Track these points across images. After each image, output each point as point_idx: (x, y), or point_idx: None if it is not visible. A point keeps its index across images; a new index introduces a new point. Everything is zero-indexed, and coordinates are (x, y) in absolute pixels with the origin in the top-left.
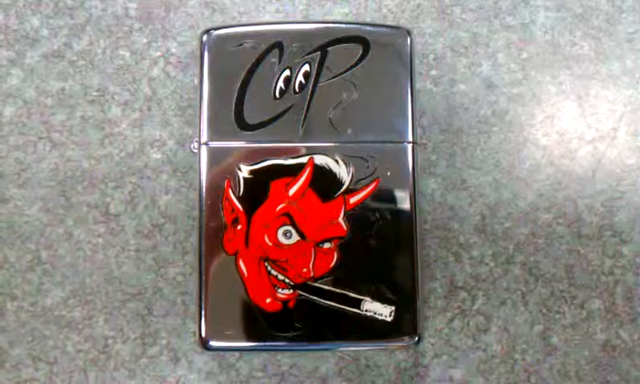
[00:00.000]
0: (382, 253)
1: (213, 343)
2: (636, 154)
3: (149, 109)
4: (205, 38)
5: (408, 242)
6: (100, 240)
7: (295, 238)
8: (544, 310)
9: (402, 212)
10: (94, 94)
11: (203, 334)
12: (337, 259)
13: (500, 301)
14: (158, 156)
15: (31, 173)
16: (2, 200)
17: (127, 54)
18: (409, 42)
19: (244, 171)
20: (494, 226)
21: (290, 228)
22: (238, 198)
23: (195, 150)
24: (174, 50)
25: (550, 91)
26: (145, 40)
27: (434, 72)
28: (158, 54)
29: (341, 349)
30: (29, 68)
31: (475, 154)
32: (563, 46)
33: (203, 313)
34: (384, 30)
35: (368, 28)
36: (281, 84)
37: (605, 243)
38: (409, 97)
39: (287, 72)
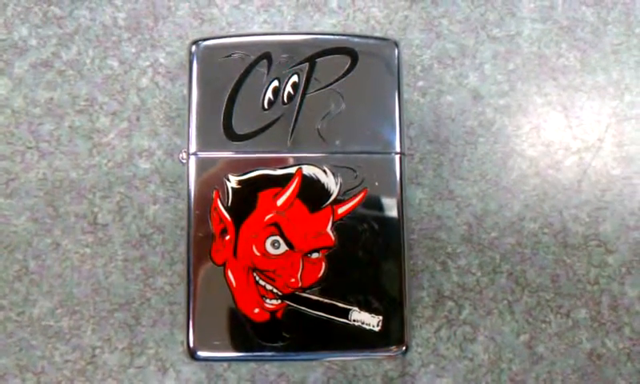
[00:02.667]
0: (369, 263)
1: (201, 353)
2: (621, 165)
3: (137, 119)
4: (194, 48)
5: (395, 251)
6: (88, 250)
7: (283, 248)
8: (530, 320)
9: (389, 222)
10: (83, 103)
11: (191, 344)
12: (325, 269)
13: (486, 310)
14: (147, 166)
15: (19, 182)
16: None
17: (116, 64)
18: (396, 54)
19: (232, 181)
20: (481, 236)
21: (278, 238)
22: (227, 208)
23: (184, 161)
24: (162, 60)
25: (536, 102)
26: (133, 50)
27: (421, 83)
28: (147, 63)
29: (329, 358)
30: (17, 77)
31: (462, 165)
32: (549, 57)
33: (191, 323)
34: (372, 41)
35: (356, 39)
36: (269, 95)
37: (590, 253)
38: (396, 108)
39: (276, 83)
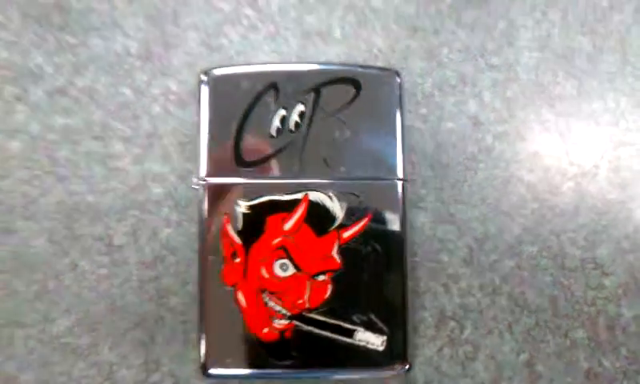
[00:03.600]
0: (374, 285)
1: (212, 371)
2: (617, 190)
3: (150, 145)
4: (203, 77)
5: (399, 274)
6: (104, 270)
7: (291, 270)
8: (529, 339)
9: (392, 246)
10: (97, 129)
11: (203, 361)
12: (331, 291)
13: (487, 330)
14: (160, 190)
15: (38, 206)
16: (10, 232)
17: (128, 91)
18: (398, 83)
19: (242, 207)
20: (481, 259)
21: (286, 261)
22: (237, 232)
23: (195, 186)
24: (174, 88)
25: (534, 129)
26: (145, 78)
27: (422, 110)
28: (158, 91)
29: (335, 377)
30: (34, 104)
31: (463, 190)
32: (546, 85)
33: (203, 341)
34: (374, 71)
35: (359, 69)
36: (277, 123)
37: (587, 275)
38: (398, 135)
39: (283, 111)
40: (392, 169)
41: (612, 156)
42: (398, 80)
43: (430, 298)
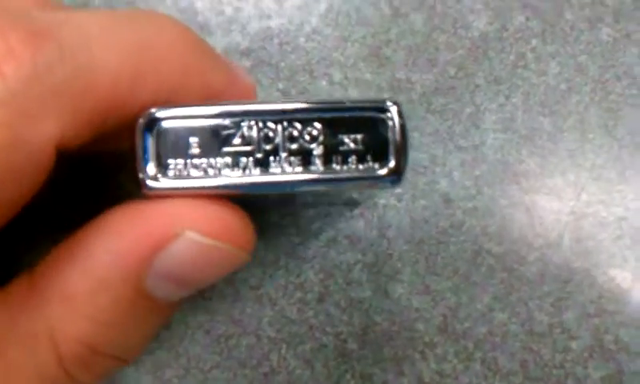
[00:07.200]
0: None
1: None
2: (580, 259)
3: None
4: None
5: None
6: None
7: None
8: None
9: None
10: None
11: None
12: None
13: None
14: None
15: None
16: None
17: None
18: None
19: None
20: (455, 326)
21: None
22: None
23: None
24: None
25: (501, 204)
26: None
27: (397, 190)
28: None
29: None
30: None
31: (437, 262)
32: (511, 163)
33: None
34: None
35: None
36: None
37: (555, 339)
38: None
39: None
40: None
41: (575, 226)
42: None
43: (408, 365)
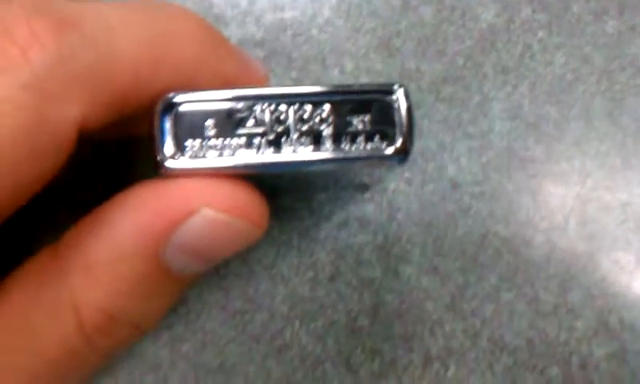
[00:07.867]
0: None
1: None
2: (585, 242)
3: None
4: None
5: None
6: None
7: None
8: (509, 377)
9: None
10: None
11: None
12: None
13: (469, 370)
14: None
15: None
16: None
17: None
18: None
19: None
20: (463, 305)
21: None
22: None
23: None
24: None
25: (507, 189)
26: None
27: (407, 174)
28: None
29: None
30: None
31: (444, 244)
32: (518, 150)
33: None
34: None
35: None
36: None
37: (560, 319)
38: None
39: None
40: None
41: (580, 211)
42: None
43: (417, 342)
